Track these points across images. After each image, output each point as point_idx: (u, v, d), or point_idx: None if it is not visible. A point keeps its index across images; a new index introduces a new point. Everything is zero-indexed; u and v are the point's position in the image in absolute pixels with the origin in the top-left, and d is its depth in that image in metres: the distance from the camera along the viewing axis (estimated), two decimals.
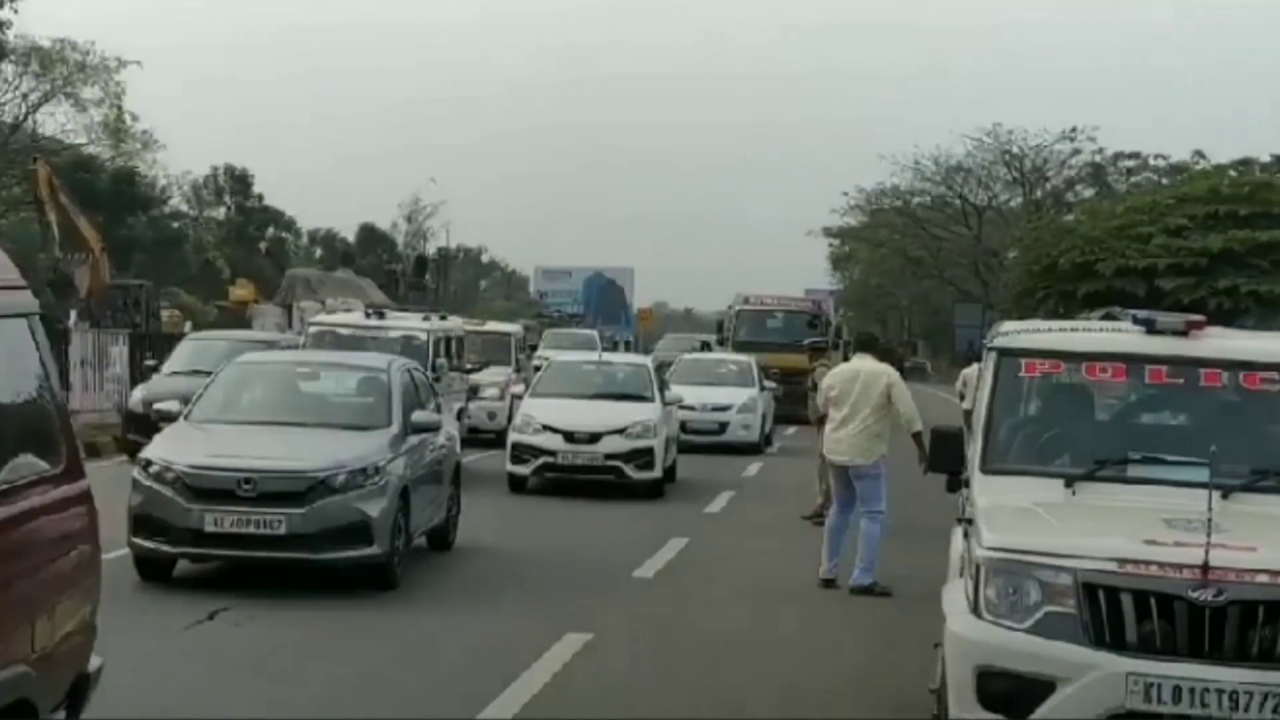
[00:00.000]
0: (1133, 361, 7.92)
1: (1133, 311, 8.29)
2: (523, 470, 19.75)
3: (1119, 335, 8.14)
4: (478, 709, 8.64)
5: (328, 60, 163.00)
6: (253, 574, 12.15)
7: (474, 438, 23.33)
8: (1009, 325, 8.65)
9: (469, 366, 23.84)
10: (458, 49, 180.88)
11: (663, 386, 21.85)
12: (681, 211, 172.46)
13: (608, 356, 25.17)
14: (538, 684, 9.37)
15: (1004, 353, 8.07)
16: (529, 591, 12.67)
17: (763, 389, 28.16)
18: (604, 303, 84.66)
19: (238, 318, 45.34)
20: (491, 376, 25.64)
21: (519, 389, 23.89)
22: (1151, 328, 7.98)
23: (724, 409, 27.22)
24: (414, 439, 13.10)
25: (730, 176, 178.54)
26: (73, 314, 30.41)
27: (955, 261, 74.54)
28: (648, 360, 24.04)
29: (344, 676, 9.54)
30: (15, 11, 51.07)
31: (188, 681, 9.26)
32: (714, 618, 11.95)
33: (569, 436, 19.59)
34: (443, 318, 23.74)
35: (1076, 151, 68.15)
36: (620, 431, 19.53)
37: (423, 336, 21.25)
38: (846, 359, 19.91)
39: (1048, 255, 35.08)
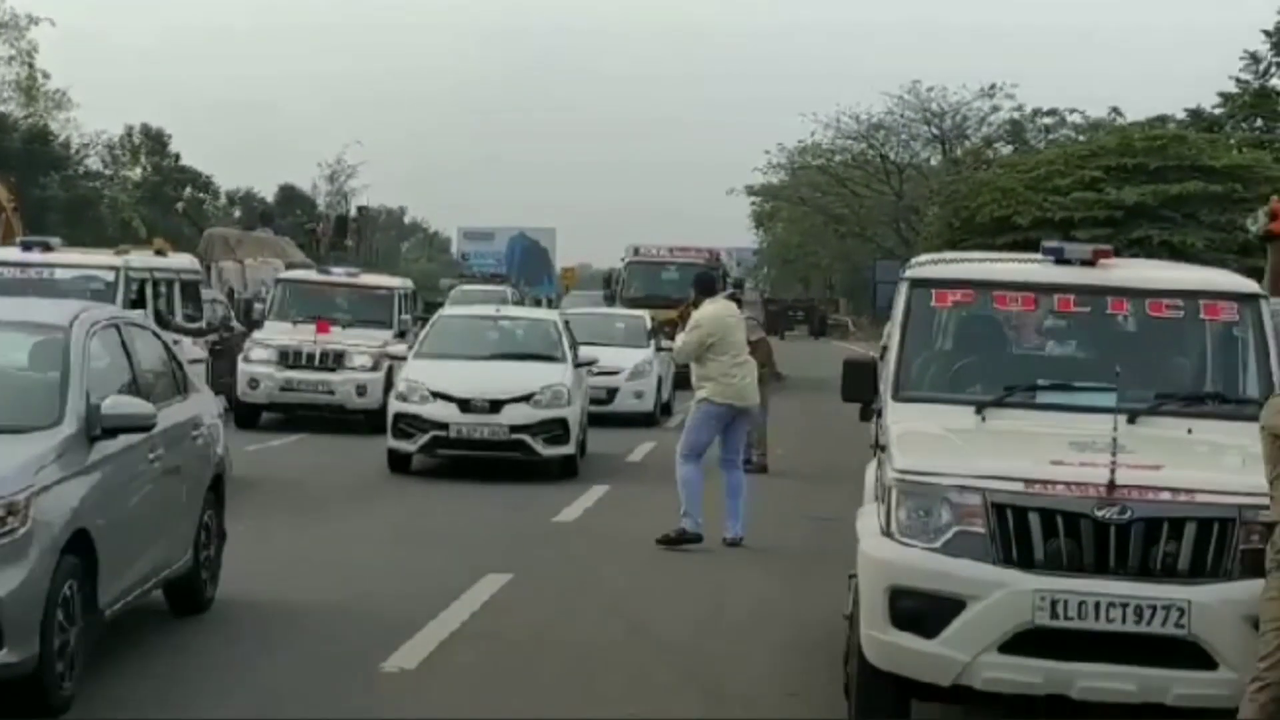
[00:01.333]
0: (1041, 291, 8.03)
1: (1044, 243, 8.39)
2: (407, 446, 16.40)
3: (1028, 265, 8.28)
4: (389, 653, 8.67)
5: (249, 18, 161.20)
6: None
7: (337, 418, 21.01)
8: (922, 257, 8.76)
9: (189, 324, 17.97)
10: (386, 6, 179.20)
11: (574, 345, 18.58)
12: (606, 171, 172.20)
13: (509, 310, 22.35)
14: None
15: (916, 283, 8.15)
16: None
17: (659, 350, 23.64)
18: (527, 263, 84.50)
19: None
20: (360, 340, 21.22)
21: (400, 350, 19.53)
22: (1060, 257, 8.10)
23: (610, 374, 22.76)
24: (110, 445, 7.90)
25: (656, 135, 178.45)
26: None
27: (877, 220, 74.91)
28: (555, 315, 20.71)
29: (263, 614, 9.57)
30: None
31: None
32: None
33: (464, 405, 16.24)
34: (160, 252, 18.26)
35: (995, 109, 68.65)
36: (526, 399, 16.40)
37: (108, 277, 16.19)
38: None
39: (966, 208, 35.49)
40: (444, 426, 16.22)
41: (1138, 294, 8.00)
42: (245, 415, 20.92)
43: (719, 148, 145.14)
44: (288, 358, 20.99)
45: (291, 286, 23.37)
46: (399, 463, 16.59)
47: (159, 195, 75.54)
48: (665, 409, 24.70)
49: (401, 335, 21.34)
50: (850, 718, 7.18)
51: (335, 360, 20.88)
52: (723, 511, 12.58)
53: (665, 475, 13.40)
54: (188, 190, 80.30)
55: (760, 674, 8.65)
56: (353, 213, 72.50)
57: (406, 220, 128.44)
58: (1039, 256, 8.25)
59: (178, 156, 79.79)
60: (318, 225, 61.08)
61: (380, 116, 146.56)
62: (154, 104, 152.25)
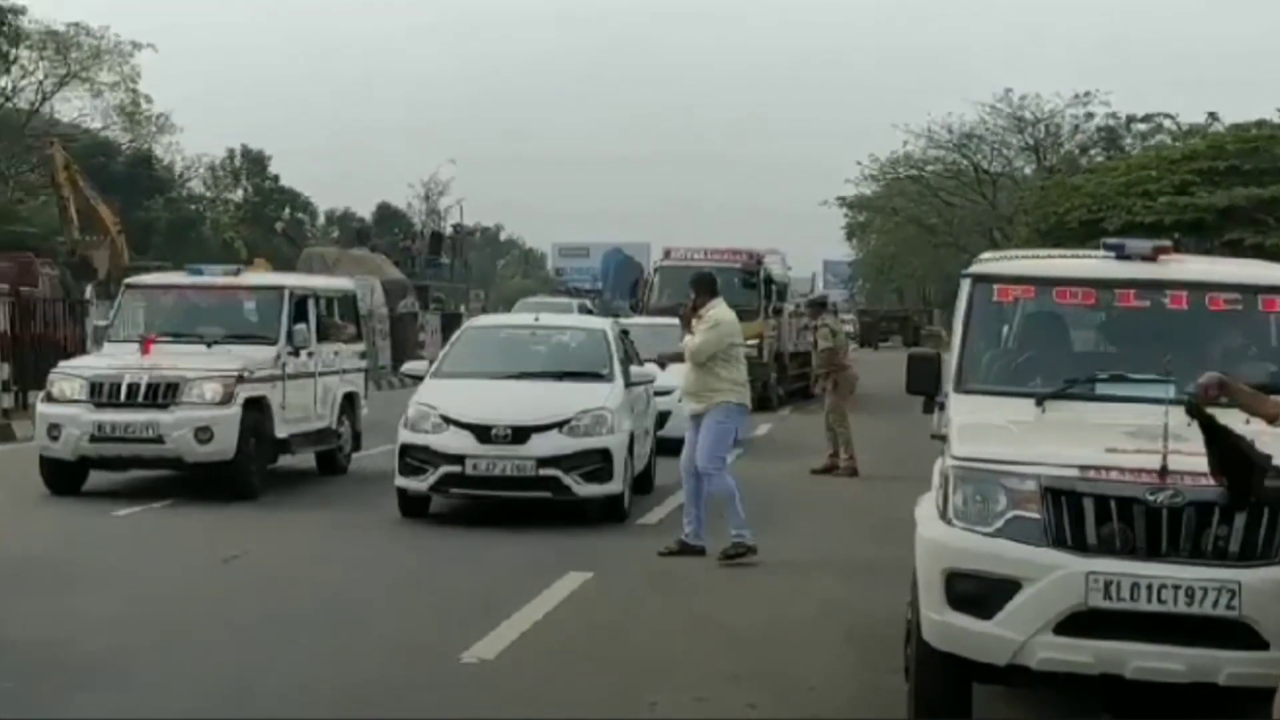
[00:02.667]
0: (1102, 286, 8.20)
1: (1105, 239, 8.55)
2: (416, 485, 13.69)
3: (1089, 261, 8.45)
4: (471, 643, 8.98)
5: (345, 40, 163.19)
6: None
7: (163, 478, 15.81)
8: (986, 254, 8.96)
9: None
10: (479, 25, 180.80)
11: (628, 359, 15.49)
12: (699, 186, 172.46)
13: (550, 318, 18.40)
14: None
15: (978, 279, 8.36)
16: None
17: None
18: (621, 278, 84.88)
19: None
20: (213, 364, 15.34)
21: (418, 369, 15.72)
22: (1121, 253, 8.27)
23: (661, 394, 16.85)
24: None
25: (748, 150, 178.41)
26: (88, 289, 30.78)
27: (970, 229, 74.60)
28: (607, 324, 16.58)
29: (344, 604, 9.93)
30: None
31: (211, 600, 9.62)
32: None
33: (483, 434, 13.45)
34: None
35: (1090, 116, 68.19)
36: (560, 426, 13.64)
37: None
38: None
39: (1055, 214, 35.36)
40: (458, 460, 13.44)
41: (1197, 288, 8.14)
42: (57, 475, 15.36)
43: (812, 159, 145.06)
44: (100, 391, 15.04)
45: (140, 294, 16.99)
46: (411, 505, 13.93)
47: (259, 216, 76.94)
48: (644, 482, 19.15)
49: (296, 353, 16.09)
50: (910, 698, 7.39)
51: (167, 393, 14.91)
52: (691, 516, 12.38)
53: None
54: (287, 210, 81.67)
55: (827, 664, 8.88)
56: (448, 230, 73.37)
57: (502, 238, 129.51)
58: (1101, 253, 8.43)
59: (277, 178, 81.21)
60: (413, 243, 61.90)
61: (477, 134, 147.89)
62: (254, 125, 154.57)
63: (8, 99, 56.72)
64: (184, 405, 14.86)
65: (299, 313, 16.42)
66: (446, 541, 12.82)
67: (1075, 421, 7.62)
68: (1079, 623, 6.70)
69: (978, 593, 6.85)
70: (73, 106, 60.41)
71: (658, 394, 16.64)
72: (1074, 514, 6.80)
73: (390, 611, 9.99)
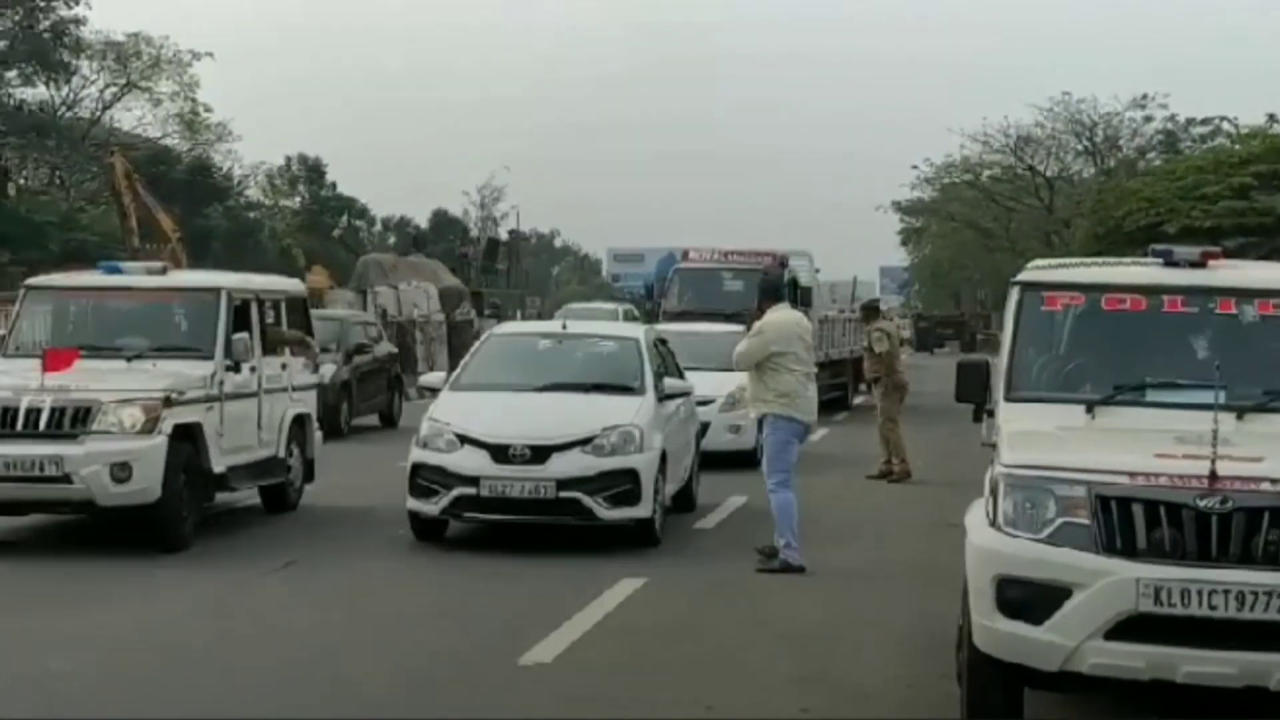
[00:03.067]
0: (1150, 292, 8.23)
1: (1153, 246, 8.60)
2: (428, 508, 12.67)
3: (1137, 268, 8.50)
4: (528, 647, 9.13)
5: (400, 50, 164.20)
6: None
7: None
8: (1035, 262, 9.02)
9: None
10: (532, 35, 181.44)
11: (664, 370, 14.45)
12: (754, 191, 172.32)
13: (579, 326, 16.29)
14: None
15: (1027, 286, 8.41)
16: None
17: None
18: None
19: (315, 302, 46.14)
20: (136, 383, 12.62)
21: (435, 380, 14.60)
22: (1169, 259, 8.32)
23: (699, 404, 16.17)
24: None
25: (800, 154, 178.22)
26: None
27: (1028, 234, 74.32)
28: (641, 331, 15.46)
29: (399, 615, 10.09)
30: (90, 8, 52.15)
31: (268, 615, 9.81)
32: None
33: (499, 453, 12.43)
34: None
35: (1148, 119, 67.80)
36: (583, 443, 12.59)
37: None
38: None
39: (1112, 218, 35.25)
40: (473, 482, 12.41)
41: (1246, 294, 8.17)
42: None
43: (869, 162, 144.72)
44: None
45: (45, 296, 14.23)
46: (425, 529, 12.91)
47: (317, 223, 77.56)
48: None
49: (236, 368, 13.42)
50: (962, 704, 7.45)
51: (75, 420, 12.08)
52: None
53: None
54: (344, 218, 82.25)
55: (880, 669, 8.96)
56: (503, 236, 73.70)
57: (558, 244, 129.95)
58: (1149, 260, 8.47)
59: (334, 185, 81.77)
60: (469, 249, 62.24)
61: (532, 140, 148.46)
62: (310, 133, 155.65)
63: (69, 108, 57.43)
64: (94, 436, 12.02)
65: (239, 320, 13.76)
66: (480, 561, 12.38)
67: (1124, 428, 7.67)
68: (1130, 628, 6.76)
69: (1028, 599, 6.91)
70: (133, 115, 61.19)
71: (698, 403, 15.80)
72: (1124, 520, 6.86)
73: (440, 622, 10.08)
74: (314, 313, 17.47)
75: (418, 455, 12.81)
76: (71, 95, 57.43)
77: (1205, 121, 69.08)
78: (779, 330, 12.09)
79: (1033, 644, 6.91)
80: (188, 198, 57.14)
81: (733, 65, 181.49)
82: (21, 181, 47.98)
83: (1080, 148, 70.61)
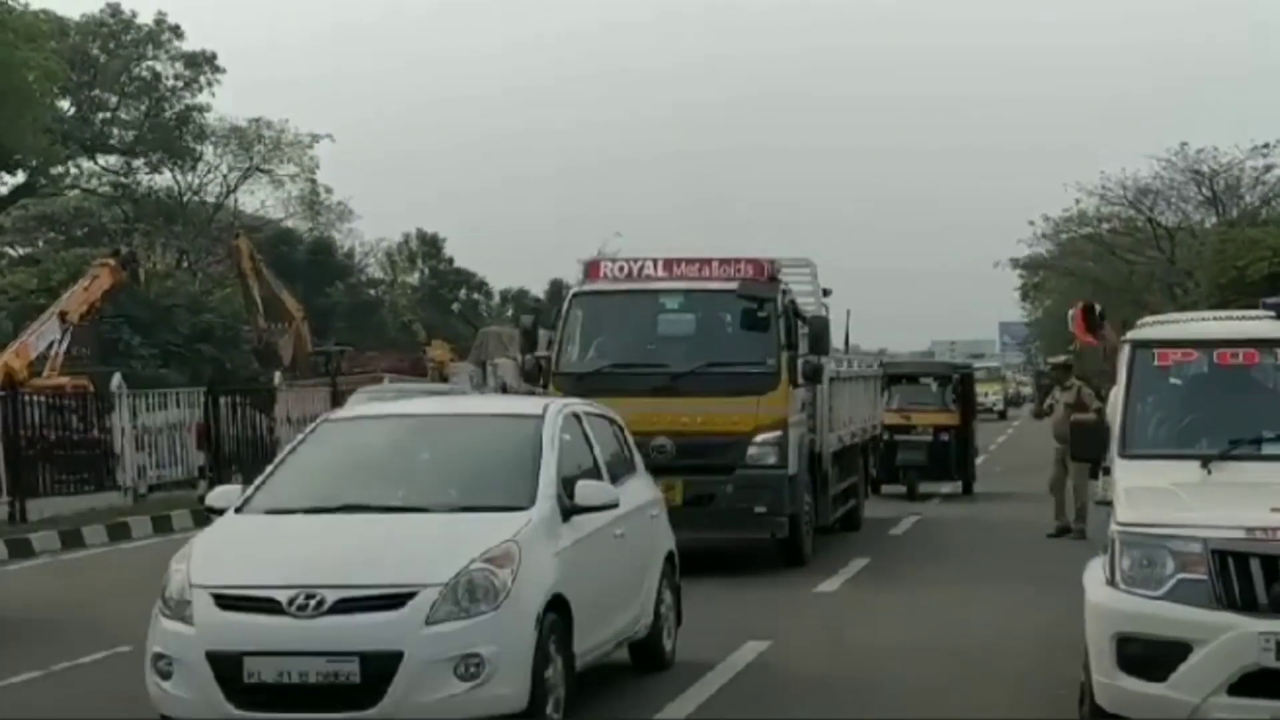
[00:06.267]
0: (1261, 345, 8.27)
1: (1265, 299, 8.61)
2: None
3: (1249, 322, 8.53)
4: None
5: (512, 123, 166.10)
6: None
7: None
8: (1146, 319, 9.09)
9: None
10: (640, 102, 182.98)
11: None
12: (872, 258, 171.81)
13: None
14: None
15: (1138, 344, 8.49)
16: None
17: (595, 511, 9.25)
18: None
19: (437, 375, 46.80)
20: None
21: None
22: None
23: (352, 606, 7.93)
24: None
25: (923, 214, 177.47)
26: (277, 376, 31.81)
27: (1149, 286, 73.43)
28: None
29: None
30: (214, 95, 53.50)
31: None
32: None
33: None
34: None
35: (1269, 167, 66.88)
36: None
37: None
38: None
39: (1235, 268, 34.85)
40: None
41: None
42: None
43: (984, 218, 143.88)
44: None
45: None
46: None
47: (436, 297, 78.49)
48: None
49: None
50: None
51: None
52: None
53: None
54: (463, 291, 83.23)
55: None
56: None
57: None
58: (1261, 313, 8.50)
59: (452, 259, 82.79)
60: None
61: (639, 205, 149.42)
62: (427, 208, 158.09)
63: (194, 193, 58.86)
64: None
65: None
66: None
67: (1240, 483, 7.70)
68: (1253, 683, 6.79)
69: (1149, 656, 6.97)
70: (255, 198, 62.44)
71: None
72: (1242, 575, 6.90)
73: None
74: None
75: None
76: (197, 181, 58.88)
77: None
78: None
79: (1156, 701, 6.96)
80: (310, 277, 58.18)
81: (845, 111, 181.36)
82: (150, 265, 49.21)
83: (1201, 197, 69.78)
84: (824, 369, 15.57)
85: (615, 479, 9.78)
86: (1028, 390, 73.03)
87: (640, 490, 10.34)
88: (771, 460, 14.77)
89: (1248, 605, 6.86)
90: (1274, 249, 34.46)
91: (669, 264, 15.49)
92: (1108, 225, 72.94)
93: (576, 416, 9.91)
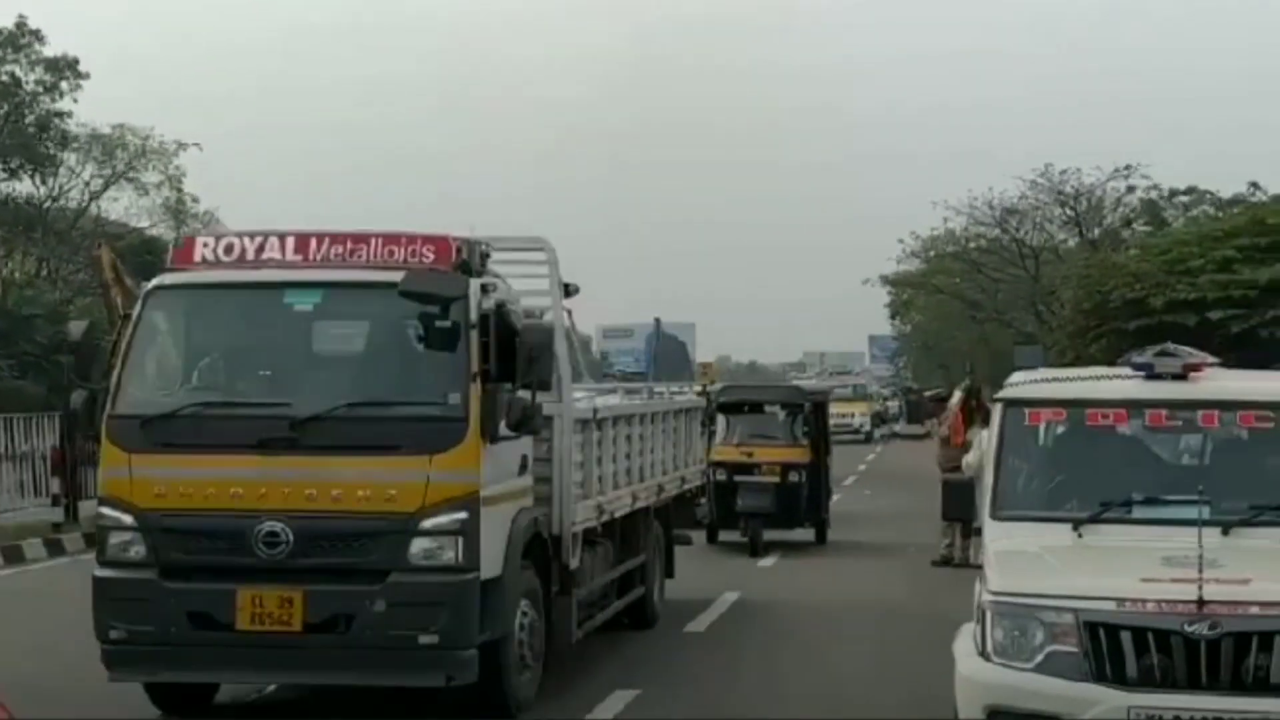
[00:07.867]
0: (1132, 406, 8.24)
1: (1133, 358, 8.57)
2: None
3: (1119, 382, 8.49)
4: None
5: (378, 137, 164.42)
6: None
7: None
8: (1016, 376, 9.02)
9: None
10: (474, 109, 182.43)
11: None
12: (740, 264, 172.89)
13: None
14: None
15: (1009, 403, 8.42)
16: None
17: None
18: (665, 358, 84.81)
19: None
20: None
21: None
22: (1150, 373, 8.30)
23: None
24: None
25: (790, 228, 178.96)
26: None
27: (1014, 304, 74.51)
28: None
29: None
30: (75, 101, 52.36)
31: None
32: None
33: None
34: None
35: (1131, 189, 68.13)
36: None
37: None
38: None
39: (1098, 292, 35.36)
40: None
41: (1229, 406, 8.18)
42: None
43: (854, 237, 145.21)
44: None
45: None
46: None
47: None
48: None
49: None
50: None
51: None
52: None
53: None
54: None
55: None
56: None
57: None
58: (1129, 372, 8.46)
59: None
60: None
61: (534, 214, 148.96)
62: (294, 219, 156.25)
63: (55, 200, 57.52)
64: None
65: None
66: None
67: (1111, 548, 7.67)
68: None
69: None
70: (119, 205, 61.20)
71: None
72: (1113, 647, 6.85)
73: None
74: None
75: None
76: (58, 187, 57.54)
77: (1189, 191, 69.55)
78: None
79: None
80: None
81: (719, 140, 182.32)
82: (8, 274, 47.92)
83: (1064, 217, 70.91)
84: (539, 410, 9.92)
85: None
86: (893, 406, 73.81)
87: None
88: (449, 558, 9.29)
89: (1118, 678, 6.80)
90: (1135, 274, 34.98)
91: (302, 242, 9.93)
92: (974, 244, 73.94)
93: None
